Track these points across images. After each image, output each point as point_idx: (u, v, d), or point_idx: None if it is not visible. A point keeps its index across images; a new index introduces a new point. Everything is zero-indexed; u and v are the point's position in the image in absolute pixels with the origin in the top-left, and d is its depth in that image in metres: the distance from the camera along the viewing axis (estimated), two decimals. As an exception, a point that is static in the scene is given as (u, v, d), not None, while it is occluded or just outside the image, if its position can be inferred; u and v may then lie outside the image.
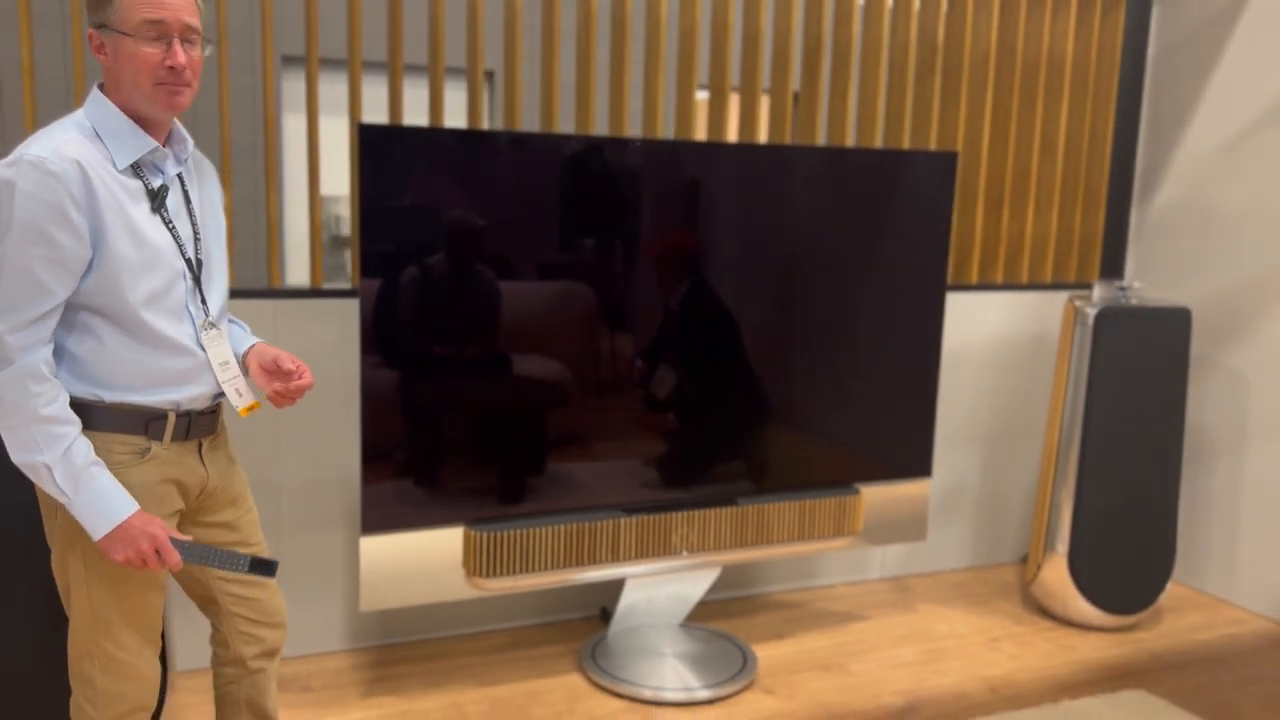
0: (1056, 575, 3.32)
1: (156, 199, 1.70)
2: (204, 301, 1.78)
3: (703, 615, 3.29)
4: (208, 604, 1.97)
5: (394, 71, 2.90)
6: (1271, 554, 3.44)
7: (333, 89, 5.25)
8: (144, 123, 1.71)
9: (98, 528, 1.63)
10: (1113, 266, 3.89)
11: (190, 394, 1.76)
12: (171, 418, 1.74)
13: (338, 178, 5.41)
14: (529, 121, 5.21)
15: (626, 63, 3.12)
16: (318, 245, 2.88)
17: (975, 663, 3.06)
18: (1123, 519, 3.29)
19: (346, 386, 2.87)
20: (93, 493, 1.62)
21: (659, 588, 2.97)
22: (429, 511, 2.56)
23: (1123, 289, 3.34)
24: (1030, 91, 3.66)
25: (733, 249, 2.79)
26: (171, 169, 1.75)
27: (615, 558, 2.76)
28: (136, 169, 1.69)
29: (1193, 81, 3.67)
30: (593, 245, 2.64)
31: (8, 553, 2.14)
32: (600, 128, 5.18)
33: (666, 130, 5.34)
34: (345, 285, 4.98)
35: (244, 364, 1.91)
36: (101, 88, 1.71)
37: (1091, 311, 3.23)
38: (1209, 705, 2.83)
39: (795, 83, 3.34)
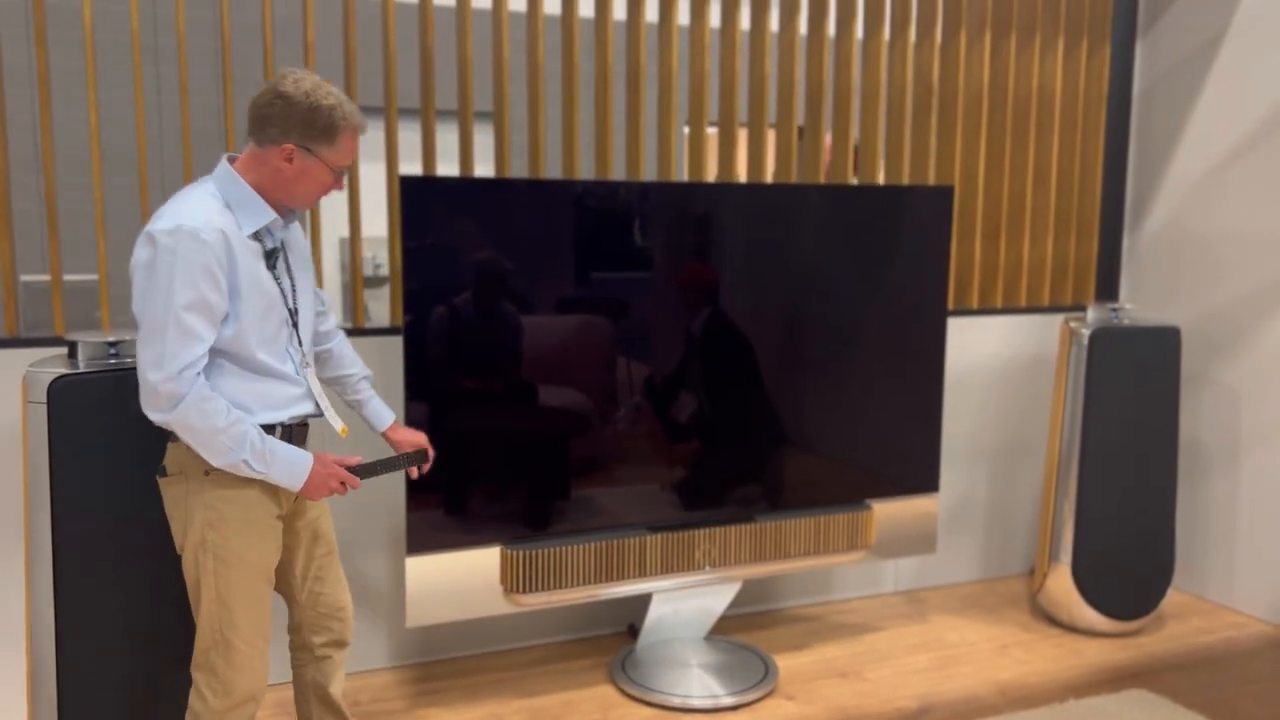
0: (1061, 584, 3.48)
1: (272, 258, 2.01)
2: (300, 343, 2.10)
3: (726, 629, 3.46)
4: (288, 595, 2.27)
5: (426, 119, 3.11)
6: (1268, 560, 3.60)
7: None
8: (268, 201, 2.01)
9: (294, 484, 2.00)
10: (1107, 289, 4.08)
11: (293, 414, 2.07)
12: (278, 431, 2.05)
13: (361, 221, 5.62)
14: (551, 160, 5.44)
15: (641, 105, 3.33)
16: (359, 287, 3.08)
17: (985, 668, 3.22)
18: (1123, 529, 3.46)
19: (387, 417, 3.06)
20: (279, 462, 1.97)
21: (684, 602, 3.15)
22: (468, 533, 2.74)
23: (1115, 310, 3.53)
24: (1022, 126, 3.87)
25: (745, 282, 2.98)
26: (280, 234, 2.06)
27: (642, 573, 2.94)
28: (256, 233, 1.99)
29: (1176, 113, 3.88)
30: (616, 281, 2.84)
31: (132, 562, 2.33)
32: (618, 165, 5.40)
33: (680, 165, 5.55)
34: (371, 324, 5.18)
35: (387, 436, 2.36)
36: (231, 161, 1.99)
37: (1086, 332, 3.42)
38: (1208, 702, 2.98)
39: (799, 118, 3.56)
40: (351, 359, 2.34)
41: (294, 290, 2.08)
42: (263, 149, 1.96)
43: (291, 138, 1.93)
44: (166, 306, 1.83)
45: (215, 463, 1.91)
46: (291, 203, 2.01)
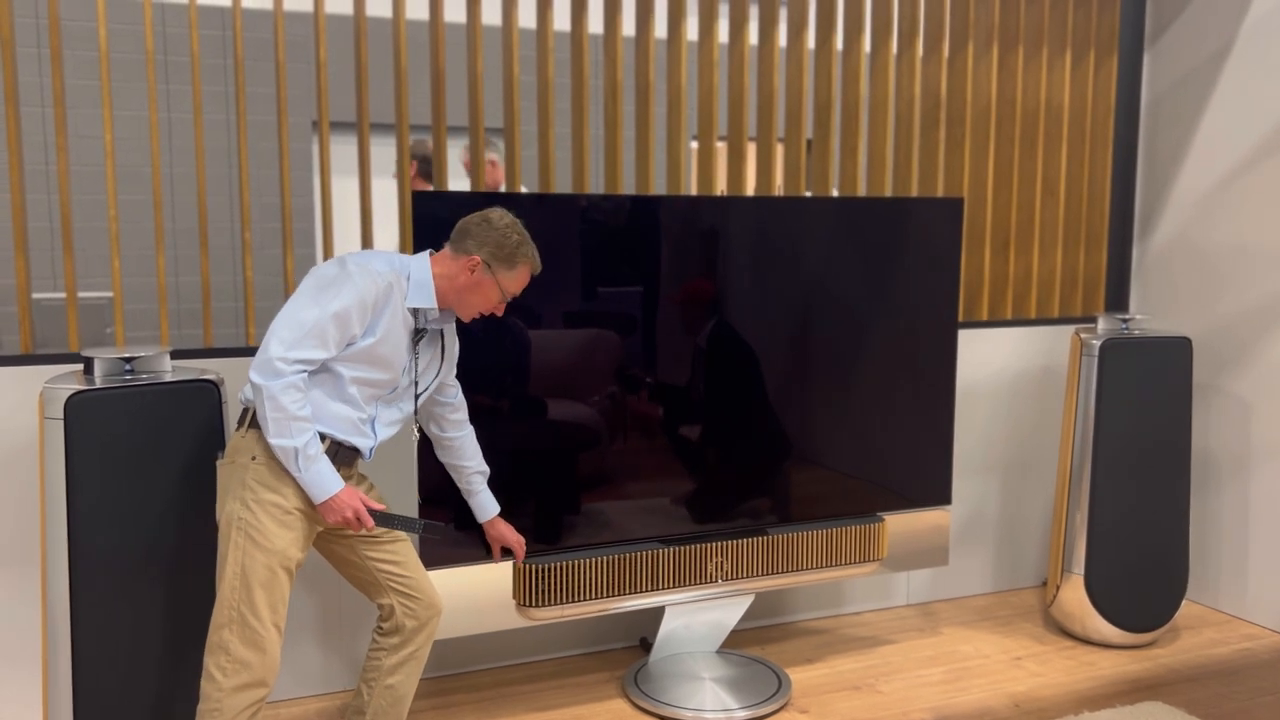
0: (1074, 596, 3.47)
1: (417, 336, 2.36)
2: (416, 409, 2.44)
3: (738, 642, 3.45)
4: (369, 586, 2.47)
5: (438, 135, 3.13)
6: (1281, 571, 3.59)
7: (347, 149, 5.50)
8: (438, 294, 2.34)
9: (318, 497, 2.22)
10: (1117, 301, 4.09)
11: (344, 439, 2.31)
12: (327, 441, 2.29)
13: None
14: (562, 175, 5.47)
15: (651, 120, 3.35)
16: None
17: (999, 680, 3.21)
18: (1136, 540, 3.45)
19: (402, 432, 3.06)
20: (316, 473, 2.21)
21: (696, 615, 3.14)
22: (481, 548, 2.74)
23: (1125, 321, 3.53)
24: (1031, 139, 3.88)
25: (755, 295, 2.99)
26: (434, 325, 2.40)
27: (654, 586, 2.94)
28: (414, 311, 2.33)
29: (1184, 125, 3.89)
30: (625, 294, 2.85)
31: (140, 562, 2.33)
32: (628, 179, 5.42)
33: (689, 179, 5.58)
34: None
35: (486, 530, 2.66)
36: (430, 255, 2.35)
37: (1096, 343, 3.42)
38: (1224, 714, 2.97)
39: (808, 131, 3.58)
40: (471, 454, 2.60)
41: (435, 377, 2.44)
42: (455, 256, 2.33)
43: (481, 253, 2.31)
44: (323, 310, 2.19)
45: (271, 440, 2.17)
46: (457, 307, 2.35)
